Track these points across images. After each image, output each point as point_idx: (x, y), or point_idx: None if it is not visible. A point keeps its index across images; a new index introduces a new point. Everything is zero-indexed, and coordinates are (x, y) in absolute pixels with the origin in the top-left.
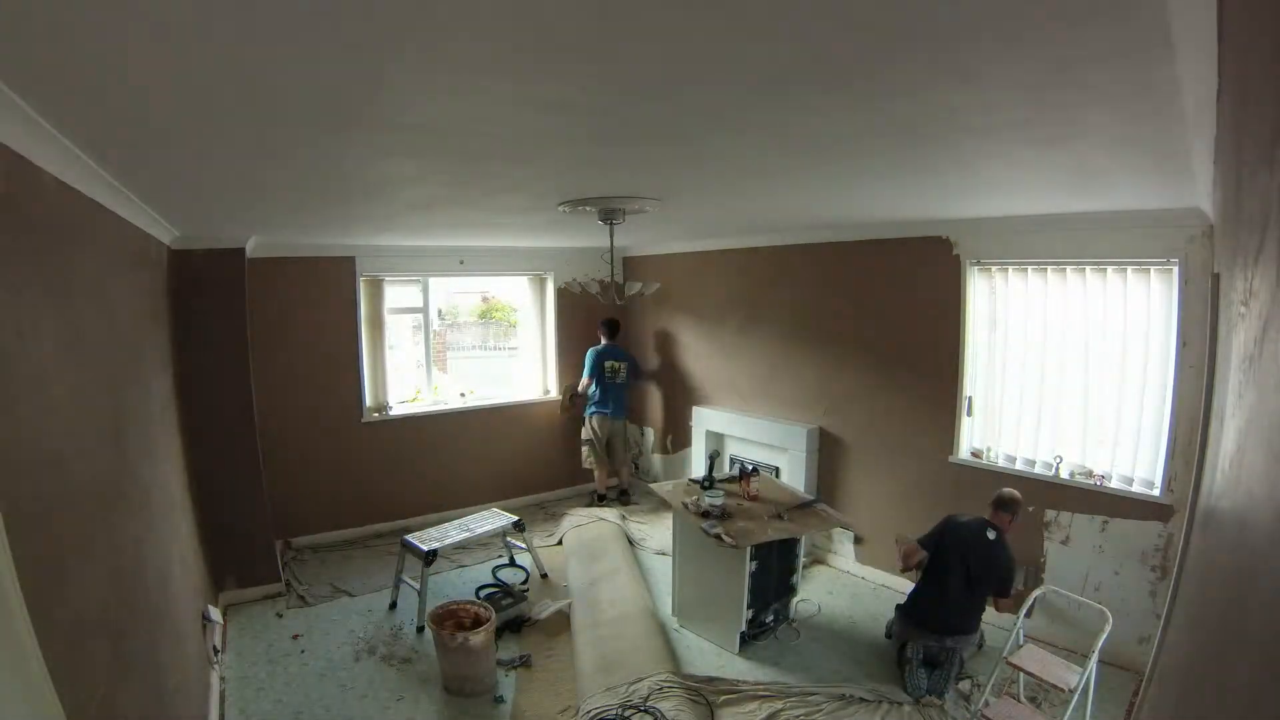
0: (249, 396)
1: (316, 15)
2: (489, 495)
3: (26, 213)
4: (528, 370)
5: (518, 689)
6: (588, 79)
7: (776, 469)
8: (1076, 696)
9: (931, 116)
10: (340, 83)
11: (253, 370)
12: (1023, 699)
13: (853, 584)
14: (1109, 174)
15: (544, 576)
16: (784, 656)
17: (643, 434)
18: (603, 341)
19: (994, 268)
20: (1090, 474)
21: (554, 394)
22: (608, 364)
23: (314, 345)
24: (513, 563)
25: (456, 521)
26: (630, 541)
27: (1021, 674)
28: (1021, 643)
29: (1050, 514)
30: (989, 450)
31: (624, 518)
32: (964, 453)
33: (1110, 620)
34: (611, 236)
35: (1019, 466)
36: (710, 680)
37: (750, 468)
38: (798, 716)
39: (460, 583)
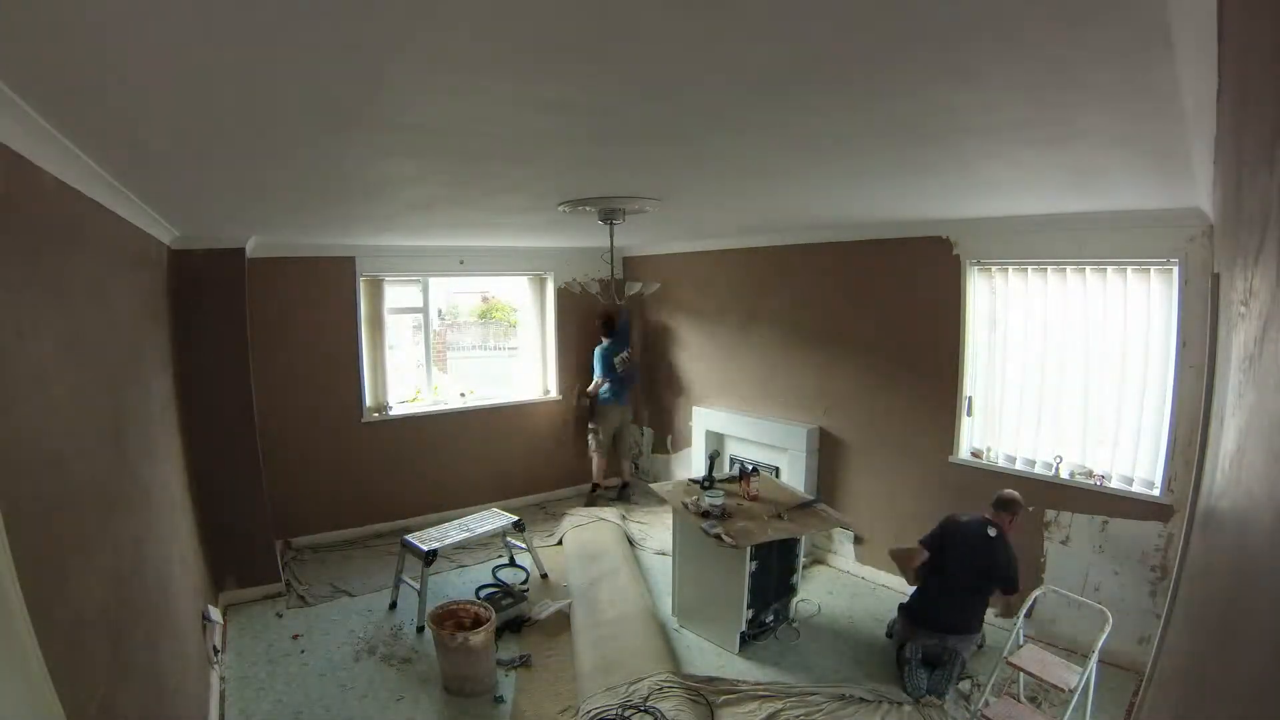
0: (249, 396)
1: (316, 15)
2: (489, 495)
3: (26, 213)
4: (528, 370)
5: (518, 689)
6: (588, 79)
7: (776, 469)
8: (1076, 696)
9: (931, 116)
10: (340, 83)
11: (253, 370)
12: (1023, 699)
13: (853, 584)
14: (1109, 174)
15: (544, 576)
16: (784, 656)
17: (643, 434)
18: (604, 340)
19: (994, 268)
20: (1090, 474)
21: (554, 394)
22: (617, 359)
23: (314, 345)
24: (513, 563)
25: (457, 521)
26: (630, 541)
27: (1021, 674)
28: (1021, 643)
29: (1050, 514)
30: (989, 450)
31: (624, 517)
32: (964, 453)
33: (1110, 620)
34: (611, 236)
35: (1019, 466)
36: (710, 680)
37: (750, 468)
38: (798, 716)
39: (460, 583)
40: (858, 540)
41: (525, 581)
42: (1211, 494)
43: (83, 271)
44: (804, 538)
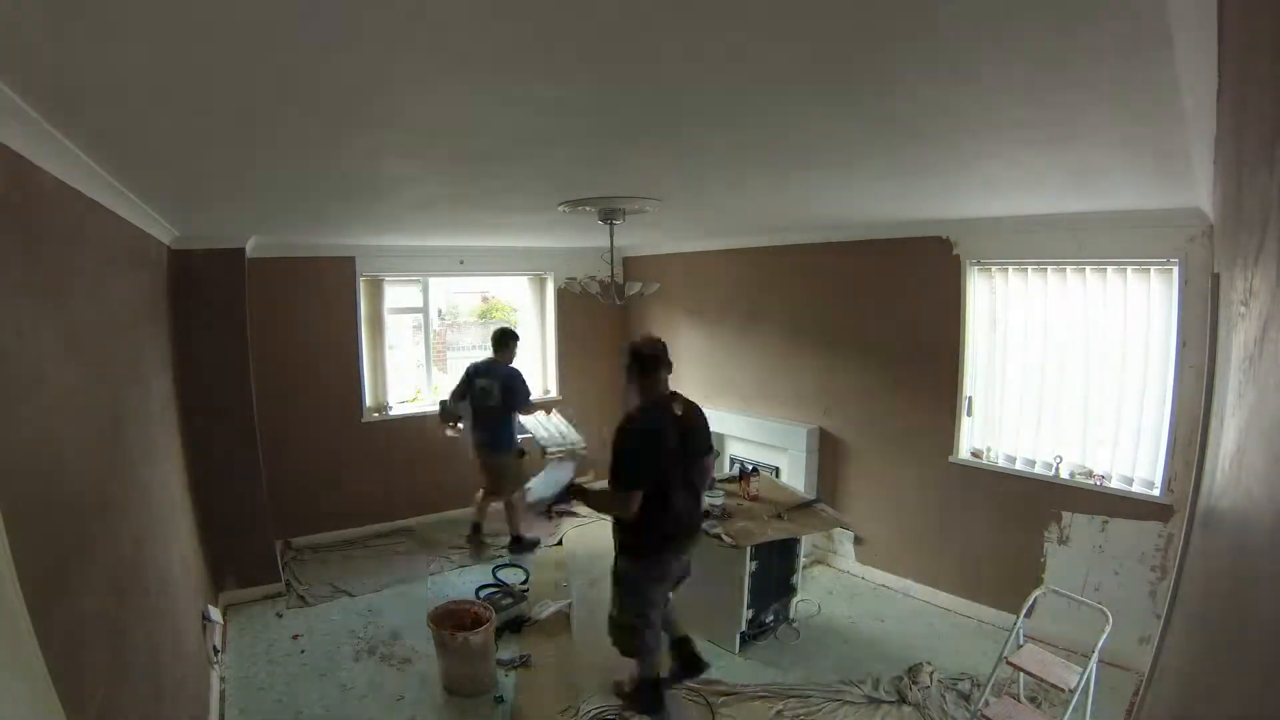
0: (249, 396)
1: (316, 15)
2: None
3: (26, 212)
4: (528, 370)
5: (518, 689)
6: (588, 79)
7: (776, 469)
8: (1076, 696)
9: (931, 116)
10: (340, 83)
11: (253, 370)
12: (1023, 699)
13: (853, 584)
14: (1109, 174)
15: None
16: (784, 656)
17: None
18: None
19: (994, 268)
20: (1090, 474)
21: (554, 394)
22: (479, 382)
23: (314, 345)
24: (513, 561)
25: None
26: None
27: (1021, 674)
28: (1021, 643)
29: (1050, 514)
30: (989, 450)
31: None
32: (964, 453)
33: (1110, 620)
34: (611, 236)
35: (1019, 466)
36: (709, 681)
37: (750, 468)
38: (797, 716)
39: (460, 583)
40: (858, 540)
41: (525, 581)
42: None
43: (83, 271)
44: (804, 538)
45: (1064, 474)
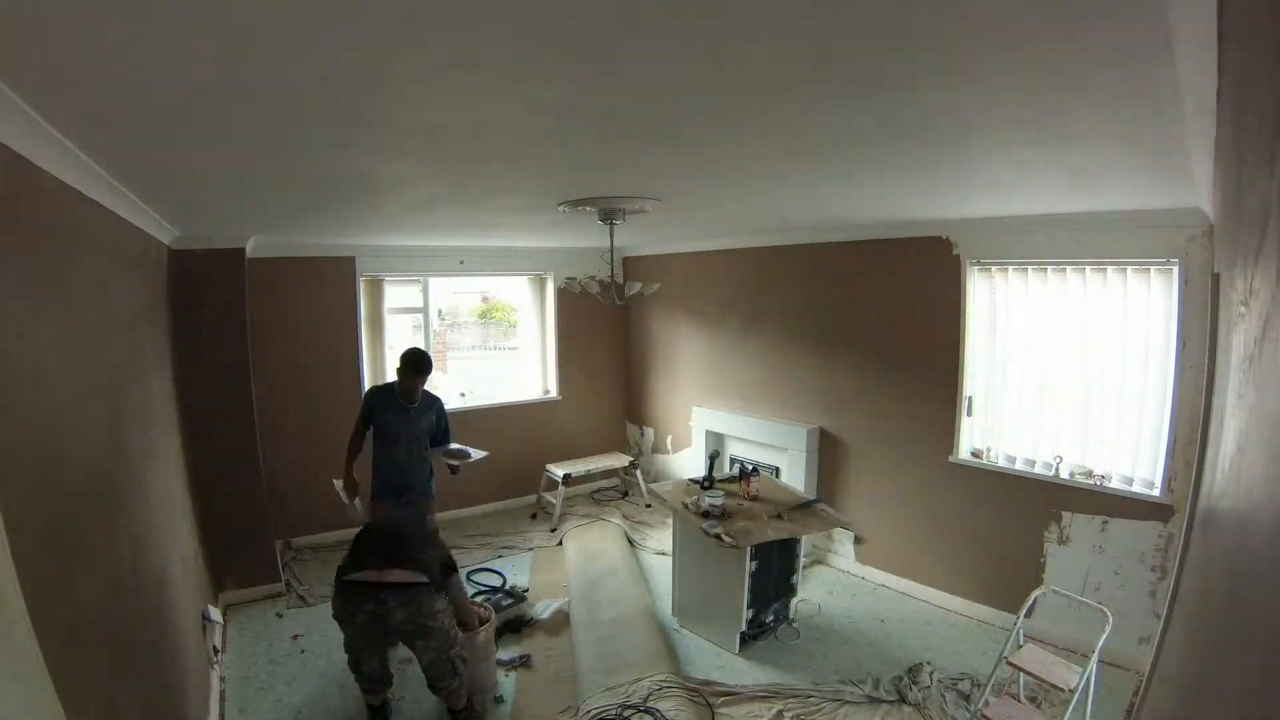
0: (249, 396)
1: (317, 16)
2: (490, 494)
3: (26, 213)
4: (528, 370)
5: (518, 689)
6: (587, 79)
7: (776, 469)
8: (1076, 696)
9: (932, 116)
10: (341, 83)
11: (253, 370)
12: (1023, 699)
13: (853, 584)
14: (1109, 174)
15: (648, 506)
16: (784, 656)
17: (643, 434)
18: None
19: (994, 268)
20: (1090, 474)
21: (554, 394)
22: (391, 416)
23: (314, 345)
24: (506, 586)
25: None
26: (630, 541)
27: (1021, 674)
28: (1021, 643)
29: (1050, 514)
30: (989, 450)
31: (626, 517)
32: (964, 453)
33: (1110, 620)
34: (611, 236)
35: (1019, 466)
36: (708, 682)
37: (750, 468)
38: (797, 717)
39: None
40: (858, 540)
41: (504, 584)
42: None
43: (83, 271)
44: (804, 538)
45: (1064, 474)
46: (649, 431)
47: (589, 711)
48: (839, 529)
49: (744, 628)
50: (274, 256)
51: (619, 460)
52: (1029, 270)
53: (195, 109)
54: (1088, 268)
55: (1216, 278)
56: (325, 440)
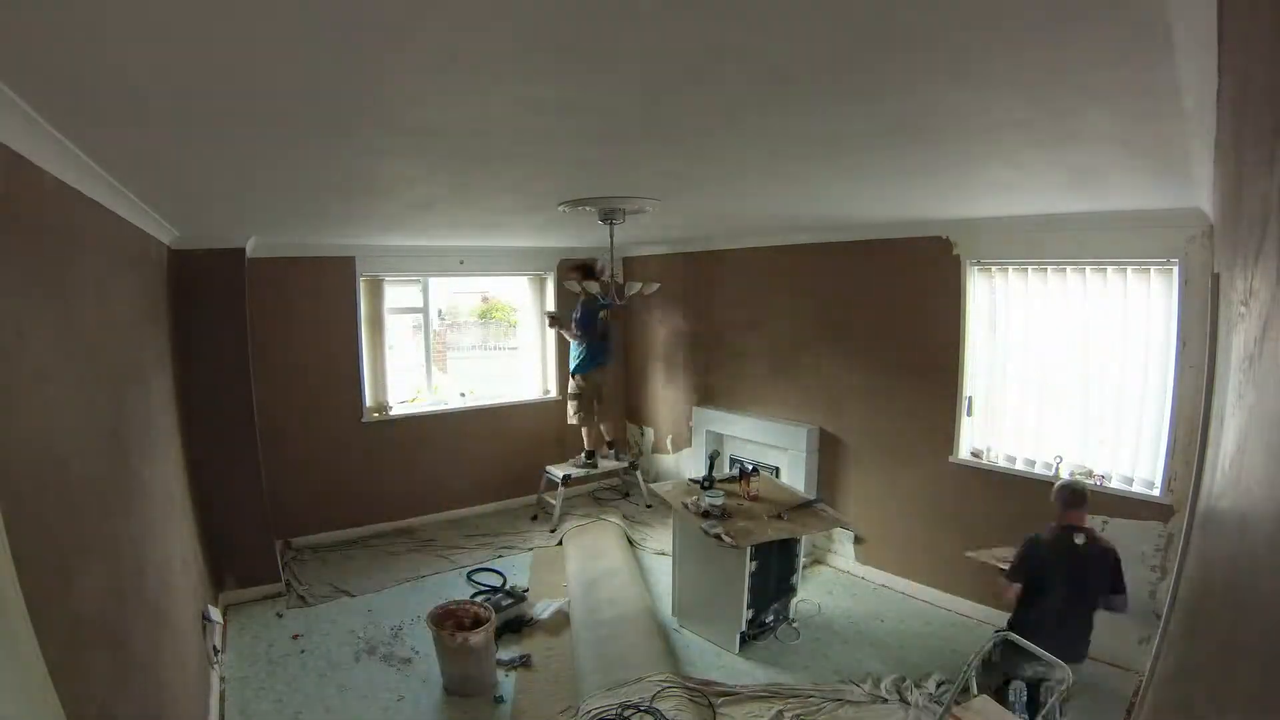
0: (249, 396)
1: (317, 17)
2: (490, 495)
3: (27, 213)
4: (528, 370)
5: (518, 689)
6: (587, 79)
7: (776, 469)
8: (1053, 699)
9: (932, 116)
10: (340, 84)
11: (253, 370)
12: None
13: (853, 584)
14: (1109, 174)
15: (649, 507)
16: (784, 656)
17: (643, 434)
18: (594, 290)
19: (994, 268)
20: (1090, 474)
21: (554, 394)
22: (600, 314)
23: (314, 345)
24: (504, 587)
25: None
26: (630, 541)
27: None
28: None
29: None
30: (989, 450)
31: (626, 517)
32: (964, 453)
33: (1070, 677)
34: (611, 236)
35: (1019, 466)
36: (709, 682)
37: (750, 468)
38: (797, 717)
39: (460, 583)
40: (858, 540)
41: (504, 584)
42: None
43: (83, 271)
44: (804, 538)
45: (1064, 474)
46: (649, 431)
47: (589, 711)
48: (839, 529)
49: (744, 628)
50: (274, 256)
51: (619, 460)
52: (1029, 270)
53: (195, 109)
54: (1088, 268)
55: (1216, 278)
56: (326, 440)
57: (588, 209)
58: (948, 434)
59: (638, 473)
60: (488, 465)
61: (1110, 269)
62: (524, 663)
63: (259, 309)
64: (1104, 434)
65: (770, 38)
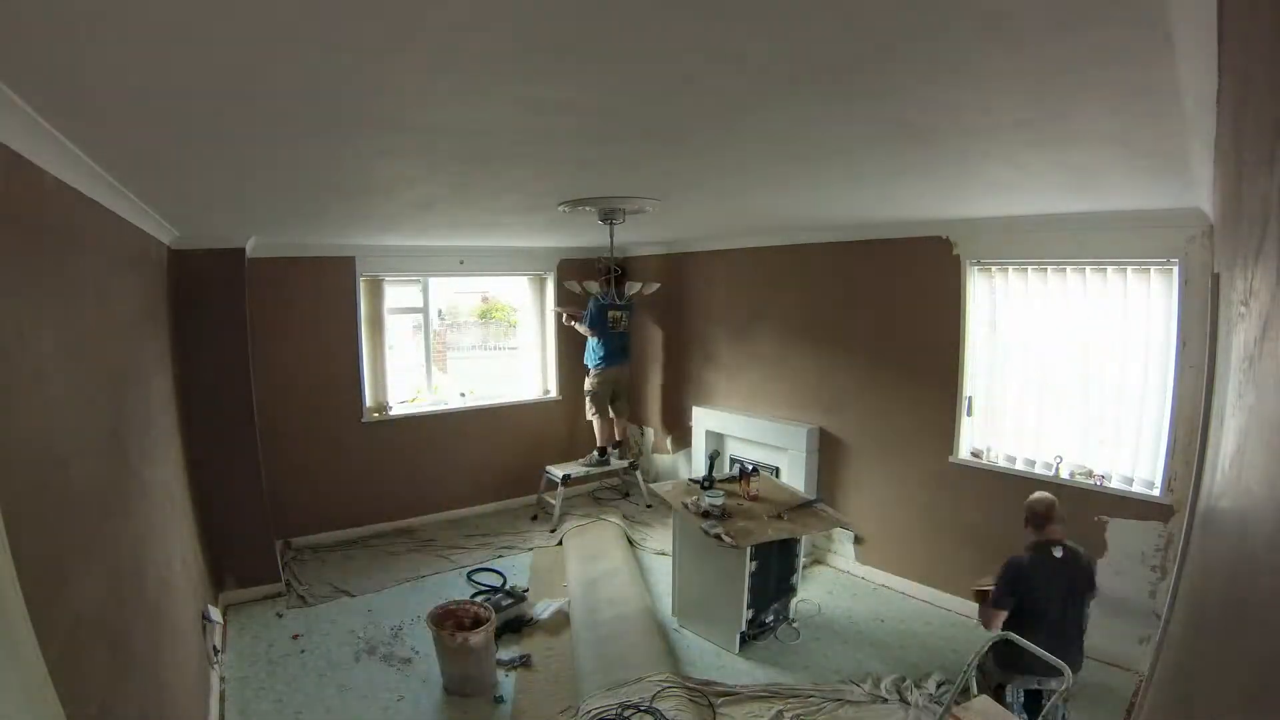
0: (249, 396)
1: (317, 18)
2: (490, 495)
3: (27, 213)
4: (528, 370)
5: (518, 689)
6: (587, 80)
7: (776, 469)
8: (1054, 699)
9: (932, 117)
10: (340, 84)
11: (253, 370)
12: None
13: (853, 584)
14: (1109, 174)
15: (649, 507)
16: (784, 656)
17: (643, 434)
18: (594, 289)
19: (994, 268)
20: (1090, 474)
21: (554, 393)
22: (611, 314)
23: (314, 345)
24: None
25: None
26: (630, 541)
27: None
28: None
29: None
30: (989, 450)
31: (626, 517)
32: (964, 453)
33: (1070, 678)
34: (611, 236)
35: (1019, 466)
36: (709, 682)
37: (750, 468)
38: (797, 717)
39: (460, 583)
40: (858, 540)
41: (504, 584)
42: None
43: (83, 271)
44: (804, 538)
45: (1064, 474)
46: (649, 431)
47: (589, 711)
48: (839, 529)
49: (744, 628)
50: (274, 256)
51: (619, 460)
52: (1029, 270)
53: (195, 109)
54: (1088, 268)
55: (1216, 278)
56: (325, 440)
57: (588, 209)
58: (948, 434)
59: (638, 473)
60: (488, 465)
61: (1110, 269)
62: (524, 663)
63: (259, 309)
64: (1104, 434)
65: (770, 38)
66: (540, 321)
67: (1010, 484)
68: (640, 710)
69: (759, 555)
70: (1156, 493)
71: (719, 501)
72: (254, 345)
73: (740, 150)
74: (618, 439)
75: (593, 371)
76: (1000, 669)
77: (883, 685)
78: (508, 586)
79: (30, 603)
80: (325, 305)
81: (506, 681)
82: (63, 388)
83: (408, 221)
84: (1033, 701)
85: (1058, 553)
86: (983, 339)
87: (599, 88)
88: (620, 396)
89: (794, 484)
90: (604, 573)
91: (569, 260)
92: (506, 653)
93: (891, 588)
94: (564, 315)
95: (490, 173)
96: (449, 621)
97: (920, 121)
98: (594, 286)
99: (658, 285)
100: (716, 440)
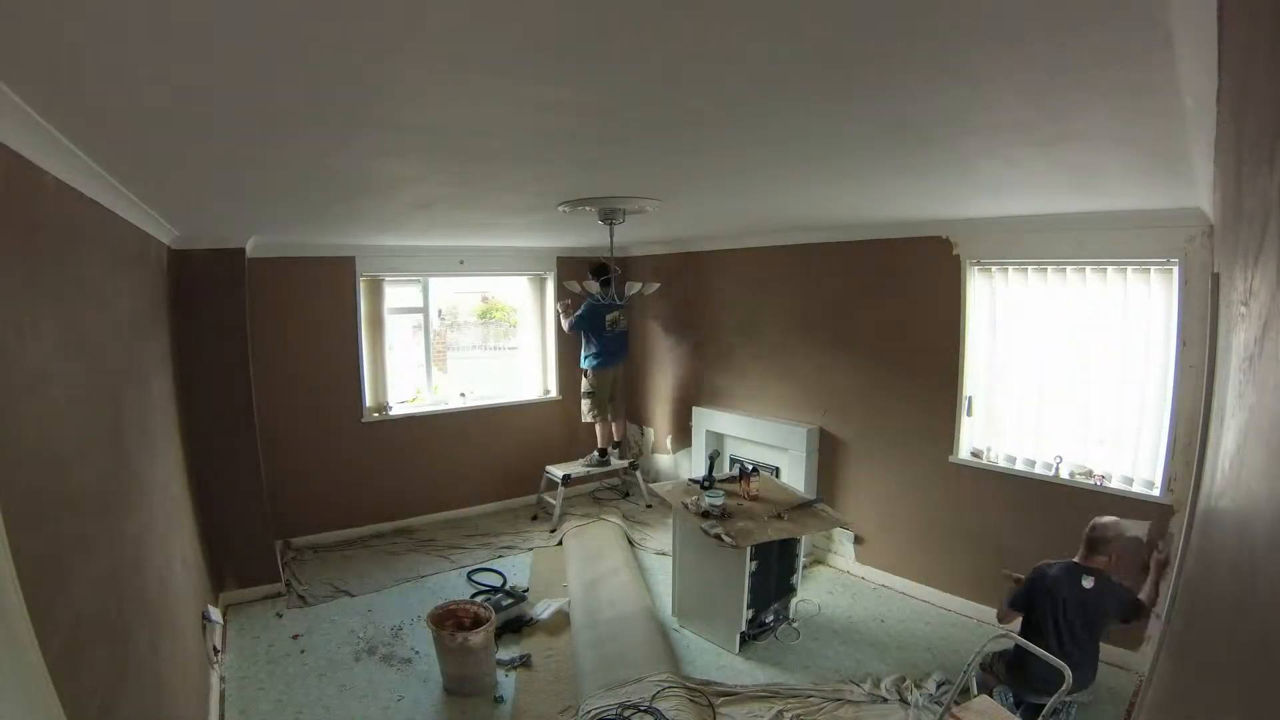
0: (249, 396)
1: (317, 17)
2: (490, 495)
3: (26, 213)
4: (528, 370)
5: (518, 689)
6: (588, 80)
7: (776, 469)
8: (1053, 700)
9: (932, 117)
10: (341, 85)
11: (253, 370)
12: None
13: (853, 584)
14: (1109, 174)
15: (649, 507)
16: (784, 656)
17: (643, 434)
18: (594, 290)
19: (994, 268)
20: (1090, 474)
21: (554, 393)
22: (608, 316)
23: (314, 345)
24: (504, 586)
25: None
26: (630, 541)
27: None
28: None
29: (1050, 514)
30: (989, 450)
31: (626, 517)
32: (964, 453)
33: (1069, 679)
34: (611, 236)
35: (1019, 466)
36: (709, 682)
37: (750, 468)
38: (797, 717)
39: (460, 583)
40: (858, 540)
41: (504, 584)
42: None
43: (83, 271)
44: (804, 538)
45: (1064, 474)
46: (649, 431)
47: (589, 711)
48: (839, 529)
49: (744, 628)
50: (274, 256)
51: (619, 460)
52: (1029, 270)
53: (195, 110)
54: (1088, 268)
55: (1216, 278)
56: (326, 440)
57: (588, 209)
58: (948, 434)
59: (638, 473)
60: (488, 465)
61: (1110, 269)
62: (524, 663)
63: (259, 309)
64: (1104, 434)
65: (770, 38)
66: (540, 321)
67: (1010, 484)
68: (640, 710)
69: (759, 555)
70: (1156, 493)
71: (719, 501)
72: (254, 345)
73: (740, 150)
74: (616, 439)
75: (590, 373)
76: (1008, 676)
77: (883, 685)
78: (508, 586)
79: (30, 602)
80: (325, 305)
81: (506, 681)
82: (63, 388)
83: (408, 221)
84: (1032, 712)
85: (1087, 583)
86: (983, 339)
87: (599, 88)
88: (616, 397)
89: (794, 484)
90: (604, 573)
91: (568, 260)
92: (506, 653)
93: (891, 588)
94: (561, 308)
95: (490, 173)
96: (449, 621)
97: (921, 121)
98: (594, 287)
99: (658, 285)
100: (716, 440)
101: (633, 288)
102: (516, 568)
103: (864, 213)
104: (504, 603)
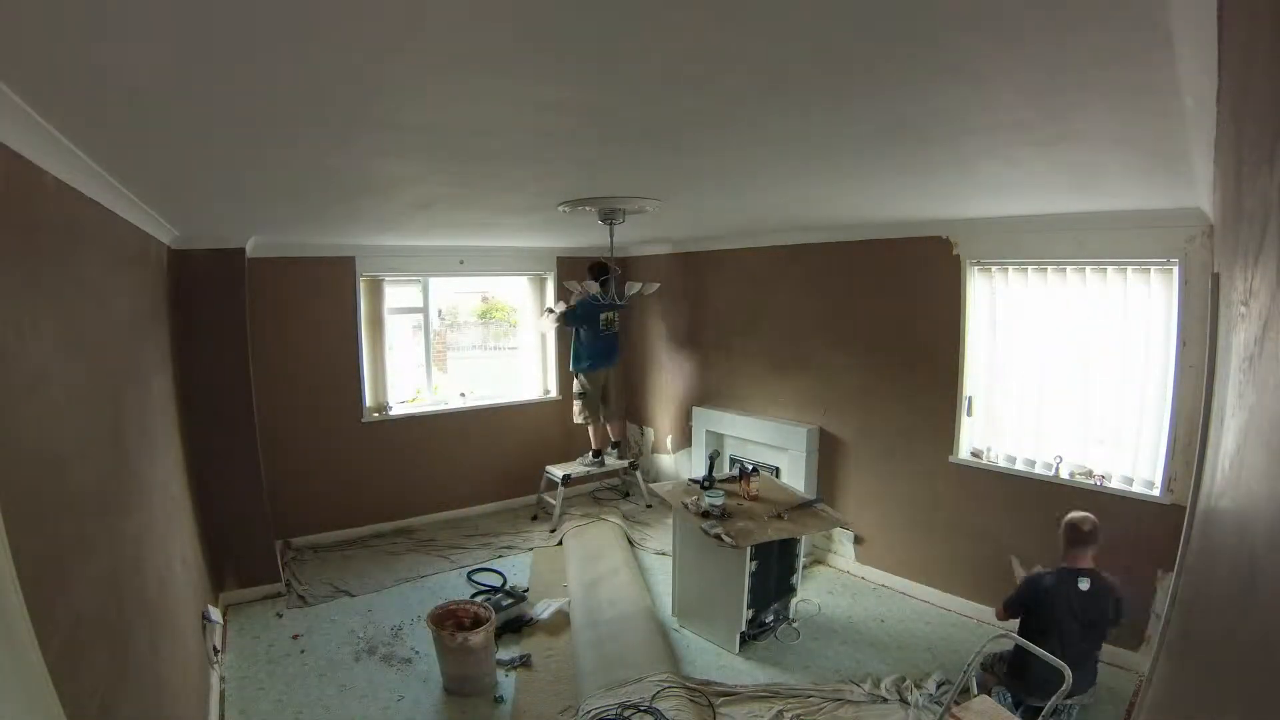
0: (249, 396)
1: (317, 17)
2: (490, 495)
3: (26, 212)
4: (528, 370)
5: (518, 689)
6: (588, 80)
7: (776, 469)
8: (1053, 701)
9: (932, 117)
10: (340, 84)
11: (253, 370)
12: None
13: (853, 584)
14: (1109, 174)
15: (648, 506)
16: (784, 656)
17: (643, 434)
18: (594, 290)
19: (994, 268)
20: (1090, 474)
21: (554, 393)
22: (603, 316)
23: (314, 345)
24: (504, 587)
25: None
26: (630, 541)
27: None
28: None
29: (1050, 514)
30: (989, 450)
31: (626, 517)
32: (964, 453)
33: (1069, 679)
34: (611, 236)
35: (1019, 466)
36: (708, 682)
37: (750, 468)
38: (797, 717)
39: (460, 583)
40: (858, 540)
41: (504, 584)
42: (1211, 494)
43: (83, 271)
44: (804, 538)
45: (1064, 474)
46: (649, 431)
47: (589, 711)
48: (839, 529)
49: (744, 627)
50: (274, 256)
51: (618, 460)
52: (1029, 270)
53: (195, 109)
54: (1088, 268)
55: (1216, 278)
56: (325, 440)
57: (588, 209)
58: (948, 434)
59: (638, 473)
60: (488, 465)
61: (1110, 269)
62: (524, 663)
63: (259, 309)
64: (1104, 434)
65: (770, 38)
66: (540, 321)
67: (1010, 484)
68: (640, 710)
69: (759, 555)
70: (1156, 493)
71: (719, 501)
72: (254, 345)
73: (740, 150)
74: (615, 440)
75: (582, 375)
76: (1009, 679)
77: (883, 685)
78: (508, 586)
79: (30, 602)
80: (325, 305)
81: (506, 681)
82: (63, 388)
83: (408, 221)
84: (1033, 714)
85: (1084, 585)
86: (983, 339)
87: (599, 87)
88: (610, 398)
89: (794, 484)
90: (604, 573)
91: (568, 260)
92: (506, 653)
93: (891, 587)
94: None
95: (490, 173)
96: (449, 621)
97: (921, 122)
98: (594, 287)
99: (658, 285)
100: (716, 440)
101: (633, 288)
102: (516, 568)
103: (864, 213)
104: (504, 603)
